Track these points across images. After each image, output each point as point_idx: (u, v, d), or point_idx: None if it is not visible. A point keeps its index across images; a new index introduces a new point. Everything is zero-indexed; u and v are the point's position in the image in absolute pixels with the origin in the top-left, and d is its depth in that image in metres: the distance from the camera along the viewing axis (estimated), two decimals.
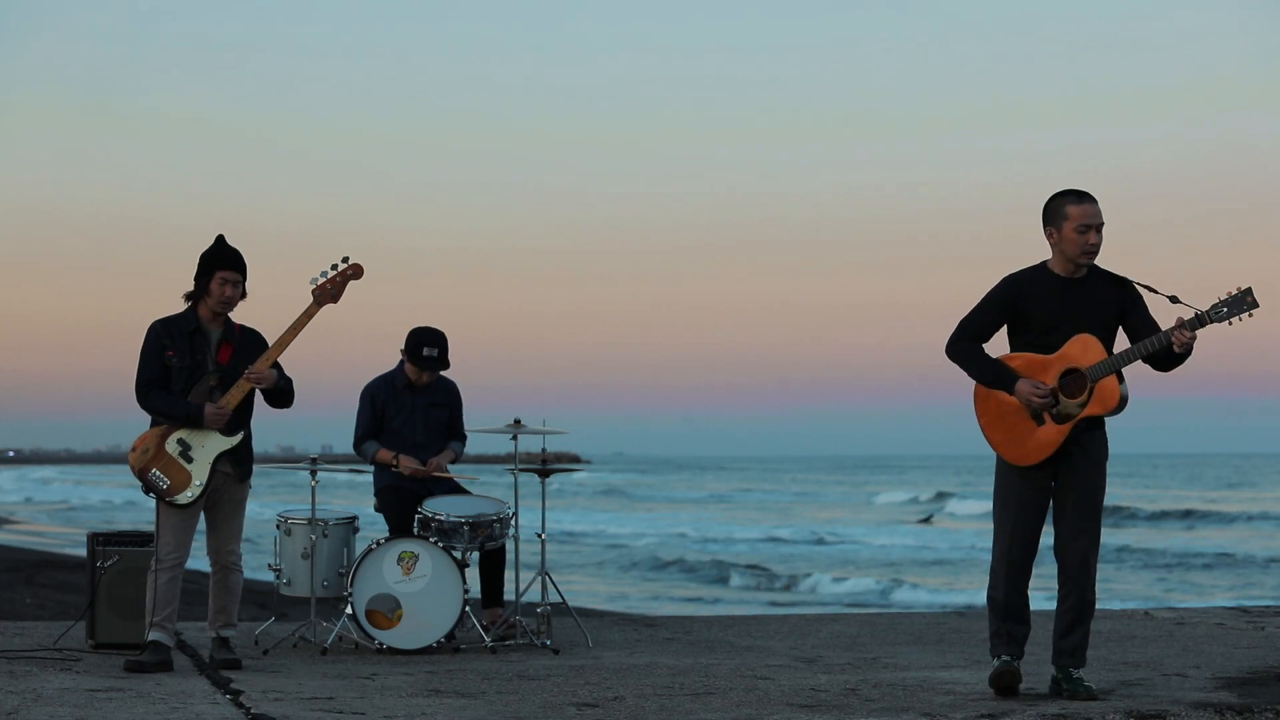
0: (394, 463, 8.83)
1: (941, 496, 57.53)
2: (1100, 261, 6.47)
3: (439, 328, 8.86)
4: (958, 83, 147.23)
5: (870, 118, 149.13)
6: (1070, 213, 6.36)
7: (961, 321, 6.57)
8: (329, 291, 7.66)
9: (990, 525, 6.78)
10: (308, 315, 7.60)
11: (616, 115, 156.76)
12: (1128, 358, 6.30)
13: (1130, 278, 6.49)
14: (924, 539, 37.05)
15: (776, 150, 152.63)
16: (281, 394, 7.66)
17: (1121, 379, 6.36)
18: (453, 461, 8.99)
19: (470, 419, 9.13)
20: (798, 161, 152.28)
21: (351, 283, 7.72)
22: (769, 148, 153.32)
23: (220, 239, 7.54)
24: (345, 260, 7.72)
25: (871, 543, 36.27)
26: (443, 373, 8.99)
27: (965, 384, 6.64)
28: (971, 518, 45.92)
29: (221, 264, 7.46)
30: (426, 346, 8.79)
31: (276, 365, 7.58)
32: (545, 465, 8.82)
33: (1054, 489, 6.50)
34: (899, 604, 23.46)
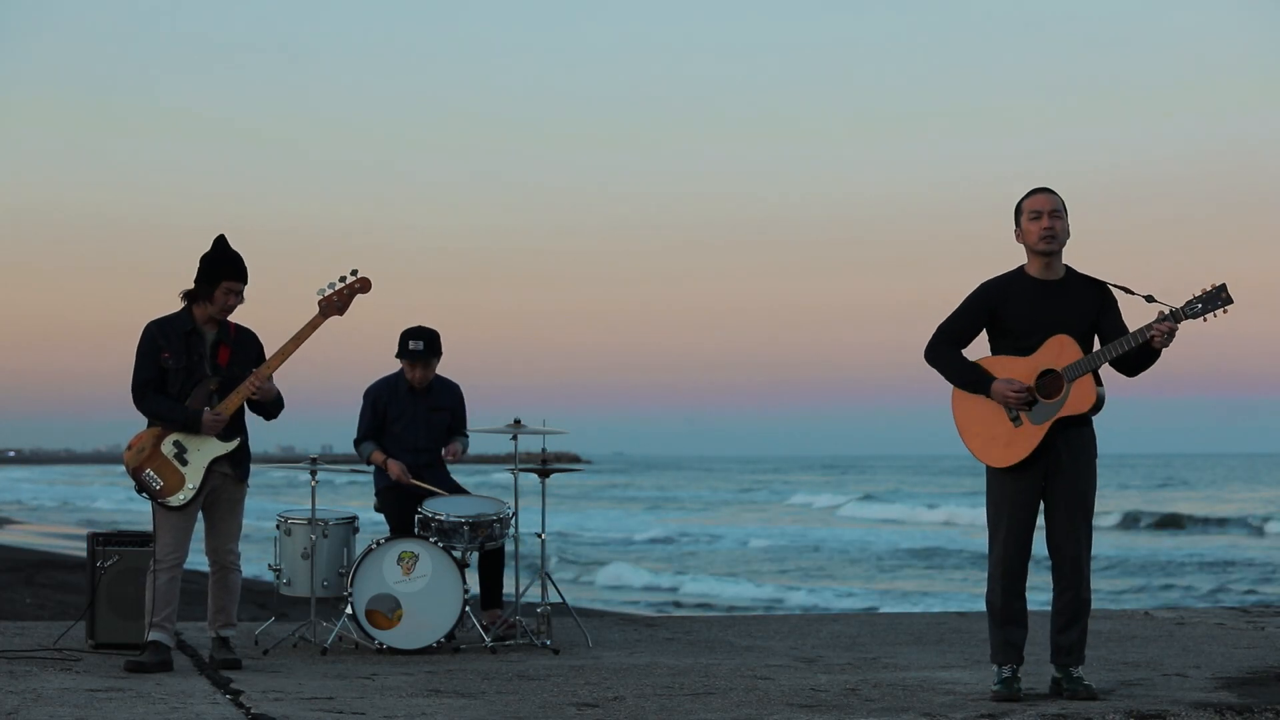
0: (384, 465, 8.85)
1: (864, 499, 58.19)
2: (1091, 261, 6.56)
3: (432, 328, 8.90)
4: (957, 83, 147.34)
5: (870, 118, 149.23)
6: (1024, 205, 6.50)
7: (940, 326, 6.61)
8: (335, 304, 7.68)
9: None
10: (312, 326, 7.62)
11: (617, 115, 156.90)
12: (1103, 357, 6.36)
13: (1106, 280, 6.54)
14: (792, 539, 37.35)
15: (776, 150, 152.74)
16: (269, 410, 7.68)
17: (1099, 380, 6.41)
18: (458, 455, 9.01)
19: (470, 419, 9.16)
20: (798, 161, 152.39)
21: (358, 296, 7.75)
22: (769, 148, 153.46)
23: (222, 242, 7.53)
24: (354, 273, 7.74)
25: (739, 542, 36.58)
26: (446, 375, 9.03)
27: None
28: (868, 520, 46.31)
29: (228, 274, 7.46)
30: (413, 340, 8.85)
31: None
32: (545, 465, 8.82)
33: (1044, 490, 6.52)
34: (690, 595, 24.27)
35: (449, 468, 9.12)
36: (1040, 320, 6.43)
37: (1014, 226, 6.54)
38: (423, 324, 8.92)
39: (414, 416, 8.93)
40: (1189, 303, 6.25)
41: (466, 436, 9.12)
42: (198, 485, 7.45)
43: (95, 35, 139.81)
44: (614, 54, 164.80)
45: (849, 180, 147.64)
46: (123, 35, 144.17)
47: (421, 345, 8.84)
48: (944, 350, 6.57)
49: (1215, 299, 6.22)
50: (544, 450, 8.99)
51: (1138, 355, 6.39)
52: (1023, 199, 6.51)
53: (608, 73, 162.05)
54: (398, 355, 8.92)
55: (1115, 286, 6.51)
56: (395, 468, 8.83)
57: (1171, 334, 6.27)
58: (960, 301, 6.60)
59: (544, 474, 8.84)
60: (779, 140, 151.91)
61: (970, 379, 6.51)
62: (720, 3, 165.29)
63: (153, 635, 7.41)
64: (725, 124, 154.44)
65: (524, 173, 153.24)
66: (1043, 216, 6.43)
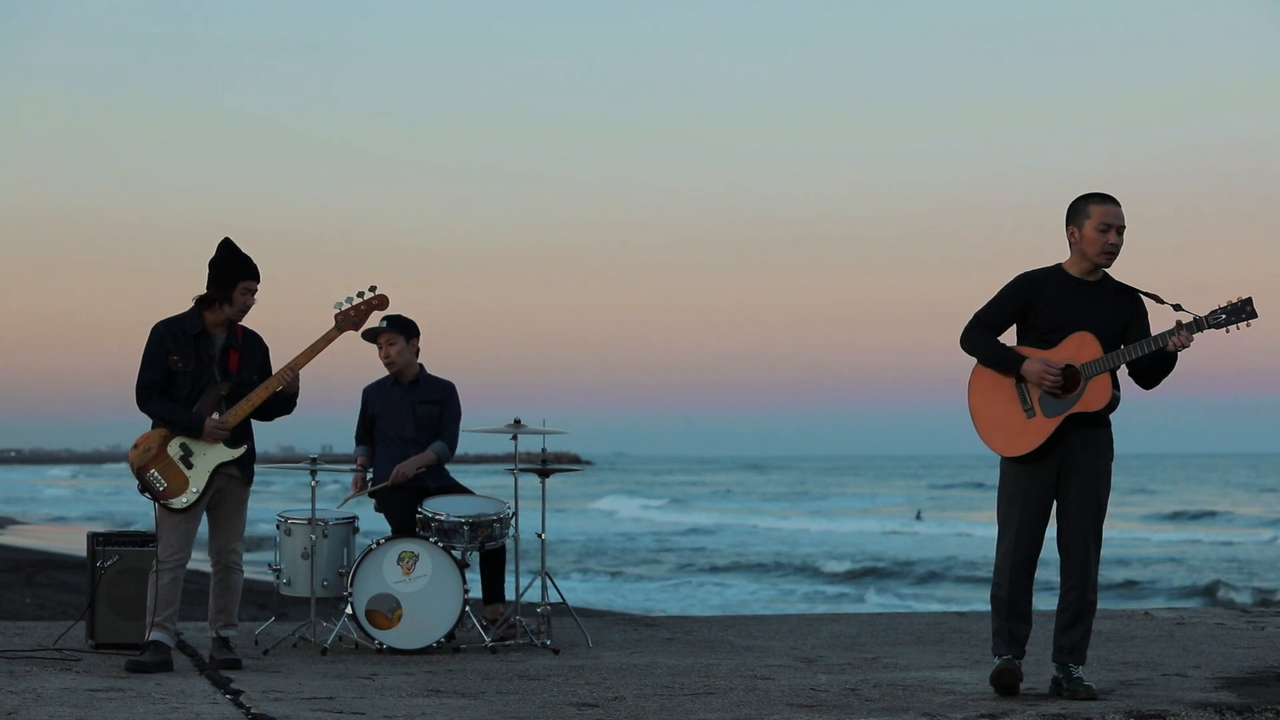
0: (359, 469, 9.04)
1: (674, 502, 59.38)
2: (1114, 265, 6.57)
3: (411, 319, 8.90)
4: (957, 82, 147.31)
5: (871, 117, 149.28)
6: (1092, 211, 6.48)
7: (976, 314, 6.67)
8: (351, 319, 7.77)
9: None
10: (327, 339, 7.70)
11: (618, 114, 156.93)
12: (1121, 357, 6.42)
13: (1138, 288, 6.58)
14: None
15: (778, 150, 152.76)
16: (275, 410, 7.68)
17: (1116, 382, 6.46)
18: (434, 464, 8.86)
19: (470, 419, 9.11)
20: (798, 161, 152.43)
21: (375, 313, 7.88)
22: (770, 148, 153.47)
23: (232, 245, 7.55)
24: (372, 289, 7.84)
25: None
26: (442, 376, 9.03)
27: (961, 386, 6.71)
28: (642, 519, 48.10)
29: (243, 274, 7.49)
30: (380, 321, 8.82)
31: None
32: (545, 465, 8.82)
33: (1058, 487, 6.53)
34: None
35: (446, 466, 9.10)
36: (1071, 318, 6.48)
37: (1068, 224, 6.53)
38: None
39: (400, 409, 8.87)
40: (1213, 313, 6.33)
41: (448, 443, 8.91)
42: (201, 489, 7.46)
43: (98, 34, 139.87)
44: (616, 52, 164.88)
45: (850, 180, 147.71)
46: (126, 34, 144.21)
47: (385, 323, 8.80)
48: (979, 334, 6.63)
49: (1240, 311, 6.31)
50: (544, 450, 8.99)
51: (1154, 362, 6.45)
52: (1090, 202, 6.49)
53: (609, 71, 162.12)
54: (364, 337, 8.81)
55: (1145, 294, 6.56)
56: (354, 485, 9.01)
57: (1189, 340, 6.32)
58: (997, 291, 6.65)
59: (544, 474, 8.84)
60: (780, 140, 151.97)
61: (1004, 359, 6.55)
62: (723, 1, 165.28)
63: (153, 635, 7.41)
64: (727, 123, 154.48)
65: (524, 172, 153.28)
66: (1111, 231, 6.45)
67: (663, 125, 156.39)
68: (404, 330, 8.84)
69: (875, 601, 23.54)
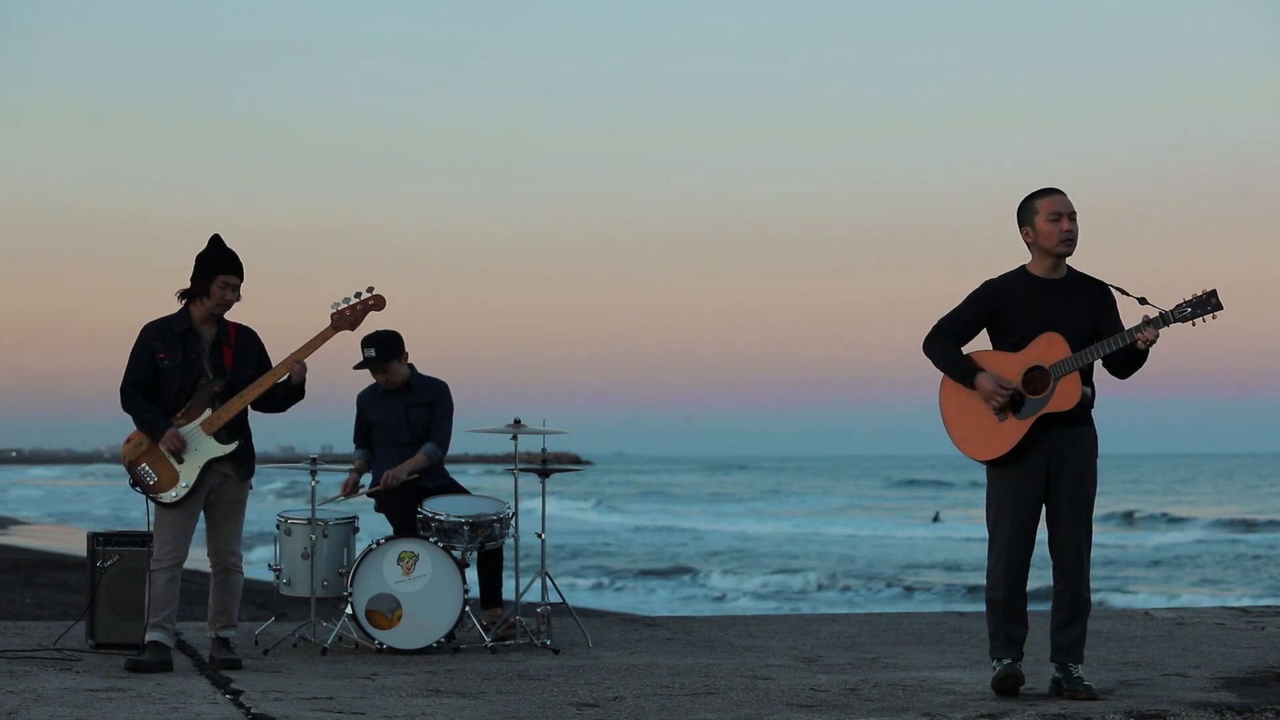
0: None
1: (600, 503, 59.86)
2: (1086, 262, 6.59)
3: (389, 330, 8.83)
4: (955, 82, 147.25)
5: (869, 118, 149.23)
6: (1039, 206, 6.49)
7: (939, 322, 6.66)
8: (347, 319, 7.75)
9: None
10: (322, 338, 7.68)
11: (618, 114, 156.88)
12: (1090, 355, 6.40)
13: (1106, 281, 6.57)
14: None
15: (778, 150, 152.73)
16: (286, 399, 7.69)
17: (1087, 380, 6.45)
18: (426, 466, 8.85)
19: (470, 419, 9.11)
20: (798, 161, 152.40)
21: (371, 313, 7.83)
22: (769, 148, 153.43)
23: (218, 240, 7.57)
24: (369, 290, 7.80)
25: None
26: (435, 375, 9.02)
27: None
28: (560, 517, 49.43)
29: (223, 268, 7.50)
30: (365, 348, 8.81)
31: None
32: (545, 465, 8.82)
33: (1046, 488, 6.53)
34: None
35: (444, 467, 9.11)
36: (1042, 319, 6.46)
37: (1021, 226, 6.54)
38: (382, 328, 8.79)
39: (394, 415, 8.88)
40: (1178, 306, 6.32)
41: (439, 444, 8.91)
42: (191, 484, 7.46)
43: (100, 34, 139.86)
44: (616, 52, 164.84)
45: (850, 180, 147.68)
46: (128, 34, 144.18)
47: (373, 352, 8.78)
48: (938, 343, 6.63)
49: (1205, 304, 6.29)
50: (544, 450, 8.99)
51: (1125, 356, 6.44)
52: (1036, 199, 6.50)
53: (609, 71, 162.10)
54: (355, 366, 8.85)
55: (1113, 288, 6.55)
56: (342, 488, 9.05)
57: (1155, 336, 6.32)
58: (962, 299, 6.63)
59: (544, 474, 8.84)
60: (779, 140, 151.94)
61: (959, 370, 6.56)
62: (723, 1, 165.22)
63: (152, 635, 7.41)
64: (727, 123, 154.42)
65: (524, 172, 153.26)
66: (1062, 219, 6.45)
67: (663, 125, 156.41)
68: (394, 353, 8.82)
69: (736, 605, 23.50)
